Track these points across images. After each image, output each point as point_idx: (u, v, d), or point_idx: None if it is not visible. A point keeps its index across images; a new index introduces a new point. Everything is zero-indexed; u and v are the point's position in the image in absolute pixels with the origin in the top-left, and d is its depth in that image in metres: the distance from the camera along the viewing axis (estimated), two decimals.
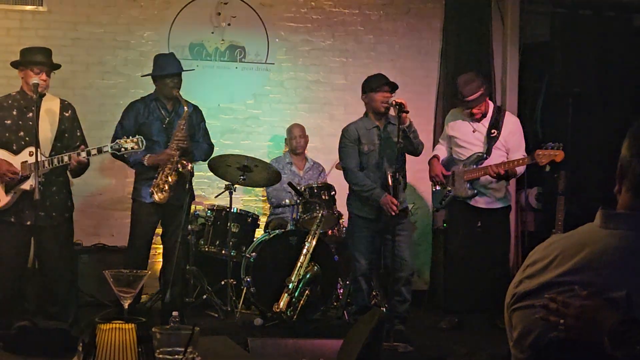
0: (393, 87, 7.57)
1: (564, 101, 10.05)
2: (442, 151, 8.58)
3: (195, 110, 8.05)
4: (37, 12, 9.82)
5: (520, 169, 8.18)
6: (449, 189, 8.32)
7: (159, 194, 7.55)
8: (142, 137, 6.98)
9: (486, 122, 8.32)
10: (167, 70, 7.84)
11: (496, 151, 8.19)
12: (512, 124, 8.38)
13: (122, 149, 6.93)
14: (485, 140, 8.26)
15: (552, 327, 2.30)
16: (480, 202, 8.31)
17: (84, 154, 6.83)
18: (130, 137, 7.00)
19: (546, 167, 8.06)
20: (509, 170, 8.00)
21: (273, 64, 10.36)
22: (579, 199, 9.17)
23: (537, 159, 7.86)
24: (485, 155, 8.20)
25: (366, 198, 7.54)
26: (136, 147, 6.94)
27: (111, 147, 6.91)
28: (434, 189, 8.57)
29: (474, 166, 8.20)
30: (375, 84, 7.60)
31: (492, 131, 8.25)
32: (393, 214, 7.29)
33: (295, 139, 9.55)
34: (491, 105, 8.45)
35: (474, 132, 8.31)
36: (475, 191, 8.21)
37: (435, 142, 9.46)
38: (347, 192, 7.88)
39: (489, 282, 8.36)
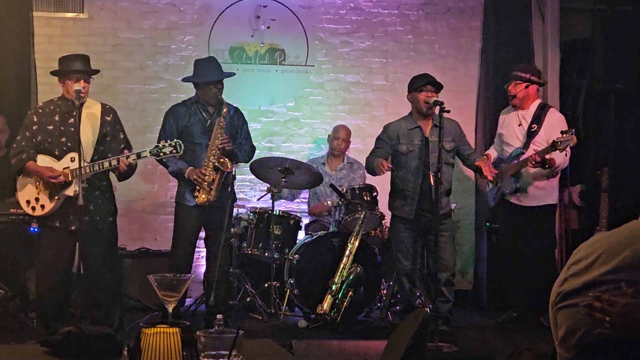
0: (437, 87, 7.55)
1: (606, 98, 9.97)
2: (493, 151, 8.65)
3: (237, 112, 8.06)
4: (78, 19, 9.91)
5: (559, 160, 8.06)
6: (499, 186, 8.34)
7: (203, 196, 7.57)
8: (180, 141, 6.97)
9: (529, 117, 8.38)
10: (209, 77, 7.84)
11: (534, 146, 8.19)
12: (554, 119, 8.38)
13: (161, 154, 6.94)
14: (525, 135, 8.31)
15: (597, 324, 2.29)
16: (524, 201, 8.33)
17: (127, 159, 6.84)
18: (169, 141, 7.01)
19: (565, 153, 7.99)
20: (545, 159, 7.94)
21: (313, 66, 10.38)
22: (623, 196, 9.11)
23: (557, 147, 7.77)
24: (522, 150, 8.26)
25: (371, 167, 7.64)
26: (174, 151, 6.94)
27: (150, 152, 6.91)
28: (488, 188, 8.62)
29: (515, 161, 8.25)
30: (419, 83, 7.57)
31: (532, 126, 8.33)
32: (382, 172, 7.46)
33: (337, 139, 9.50)
34: (537, 101, 8.50)
35: (519, 125, 8.39)
36: (519, 185, 8.22)
37: (477, 142, 9.46)
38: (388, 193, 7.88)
39: (533, 280, 8.35)
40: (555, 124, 8.30)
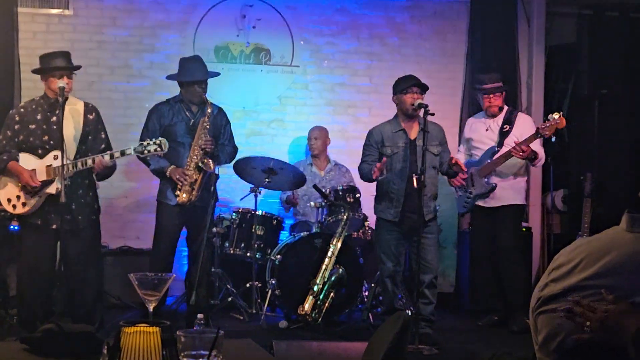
0: (423, 88, 7.54)
1: (591, 103, 10.00)
2: (460, 156, 8.68)
3: (220, 112, 8.04)
4: (63, 15, 9.86)
5: (541, 153, 8.30)
6: (470, 190, 8.38)
7: (184, 195, 7.54)
8: (165, 140, 6.96)
9: (499, 120, 8.55)
10: (194, 76, 7.82)
11: (508, 146, 8.25)
12: (524, 120, 8.64)
13: (146, 151, 6.91)
14: (497, 135, 8.45)
15: (577, 329, 2.29)
16: (490, 202, 8.47)
17: (107, 157, 6.83)
18: (154, 139, 6.98)
19: (552, 138, 8.19)
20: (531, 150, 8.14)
21: (298, 66, 10.36)
22: (606, 201, 9.14)
23: (542, 132, 8.00)
24: (497, 148, 8.37)
25: (366, 175, 7.60)
26: (159, 149, 6.91)
27: (134, 150, 6.89)
28: (456, 196, 8.65)
29: (489, 160, 8.29)
30: (404, 85, 7.54)
31: (505, 126, 8.51)
32: (374, 176, 7.36)
33: (309, 140, 9.60)
34: (506, 107, 8.66)
35: (487, 130, 8.55)
36: (494, 184, 8.30)
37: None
38: (373, 195, 7.87)
39: (506, 282, 8.44)
40: (524, 124, 8.52)
